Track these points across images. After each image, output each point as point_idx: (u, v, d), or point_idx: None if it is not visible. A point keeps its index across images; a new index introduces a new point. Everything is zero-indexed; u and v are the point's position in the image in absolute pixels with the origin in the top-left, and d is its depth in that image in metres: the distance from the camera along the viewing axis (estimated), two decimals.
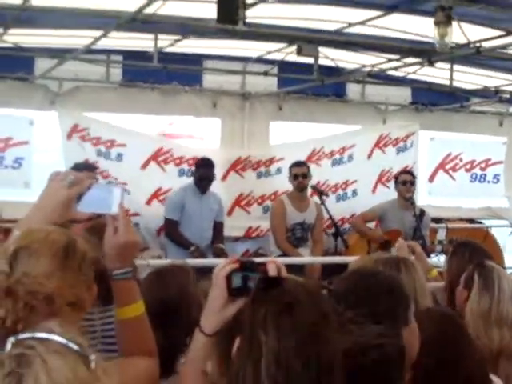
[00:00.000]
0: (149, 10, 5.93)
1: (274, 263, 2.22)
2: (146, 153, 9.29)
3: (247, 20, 5.95)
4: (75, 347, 1.57)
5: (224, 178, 9.64)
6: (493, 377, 2.98)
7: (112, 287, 2.52)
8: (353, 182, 10.28)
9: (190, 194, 8.61)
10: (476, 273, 3.73)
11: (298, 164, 8.96)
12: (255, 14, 6.35)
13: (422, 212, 8.98)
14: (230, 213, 9.65)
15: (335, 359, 1.93)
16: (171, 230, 8.55)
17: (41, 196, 2.56)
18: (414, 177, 9.07)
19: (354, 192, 10.29)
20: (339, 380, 1.93)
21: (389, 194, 10.09)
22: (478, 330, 3.48)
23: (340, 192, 10.20)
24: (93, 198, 2.53)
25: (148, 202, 9.24)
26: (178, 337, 3.00)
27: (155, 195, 9.24)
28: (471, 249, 4.62)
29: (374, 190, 10.43)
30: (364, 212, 9.36)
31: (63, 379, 1.49)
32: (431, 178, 11.17)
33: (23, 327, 2.05)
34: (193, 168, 8.98)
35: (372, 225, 9.40)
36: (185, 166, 9.29)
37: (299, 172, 8.80)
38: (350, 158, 10.24)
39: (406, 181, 8.87)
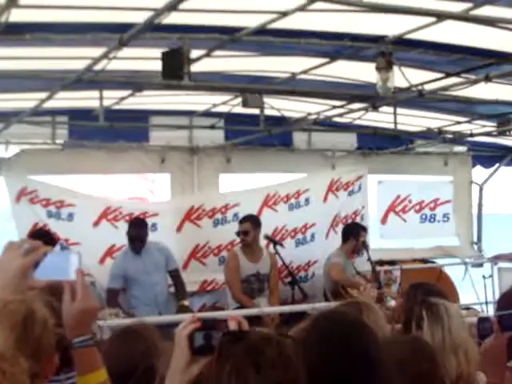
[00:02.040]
0: (95, 67, 5.93)
1: (235, 320, 2.21)
2: (96, 211, 9.21)
3: (192, 74, 5.99)
4: None
5: (179, 229, 9.57)
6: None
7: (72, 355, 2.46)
8: (311, 226, 10.26)
9: (129, 256, 8.56)
10: (423, 309, 3.78)
11: (240, 221, 9.05)
12: (200, 68, 6.39)
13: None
14: (185, 266, 9.57)
15: None
16: (110, 298, 8.43)
17: None
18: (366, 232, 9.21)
19: (312, 236, 10.27)
20: None
21: (337, 239, 10.10)
22: None
23: (300, 236, 10.16)
24: (50, 265, 2.49)
25: (101, 261, 9.12)
26: None
27: (109, 253, 9.13)
28: (423, 290, 4.66)
29: (326, 236, 10.44)
30: (335, 266, 9.16)
31: None
32: (383, 221, 11.26)
33: None
34: None
35: None
36: None
37: (240, 229, 8.89)
38: (307, 201, 10.24)
39: (362, 239, 9.01)
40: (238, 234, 8.88)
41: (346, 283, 9.05)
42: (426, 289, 4.72)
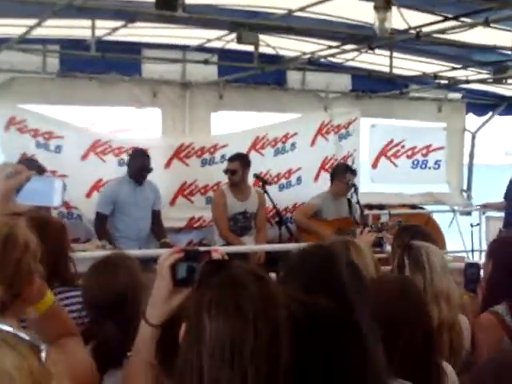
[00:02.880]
0: None
1: (219, 251, 2.19)
2: (84, 144, 9.12)
3: (187, 6, 5.88)
4: (26, 337, 1.49)
5: (167, 165, 9.51)
6: (444, 364, 3.04)
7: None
8: (297, 170, 10.22)
9: (125, 185, 8.51)
10: (405, 255, 3.78)
11: (228, 159, 8.99)
12: (194, 1, 6.28)
13: (349, 200, 9.14)
14: (172, 202, 9.57)
15: (281, 337, 1.89)
16: (98, 224, 8.45)
17: None
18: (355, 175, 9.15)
19: (299, 179, 10.25)
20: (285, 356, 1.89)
21: None
22: None
23: (283, 181, 10.12)
24: (33, 190, 2.46)
25: (88, 195, 9.08)
26: (129, 327, 2.94)
27: (95, 186, 9.09)
28: (412, 232, 4.67)
29: (316, 178, 10.42)
30: (303, 207, 9.35)
31: (13, 370, 1.39)
32: (374, 165, 11.23)
33: None
34: None
35: None
36: (124, 156, 9.09)
37: (229, 167, 8.85)
38: (293, 146, 10.18)
39: (350, 182, 8.93)
40: (226, 171, 8.83)
41: (302, 226, 9.13)
42: (414, 231, 4.73)
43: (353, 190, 8.95)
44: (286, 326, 1.92)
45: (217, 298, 1.88)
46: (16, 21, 7.50)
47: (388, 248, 5.55)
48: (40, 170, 7.52)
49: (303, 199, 9.67)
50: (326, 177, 10.22)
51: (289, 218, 9.77)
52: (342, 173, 9.15)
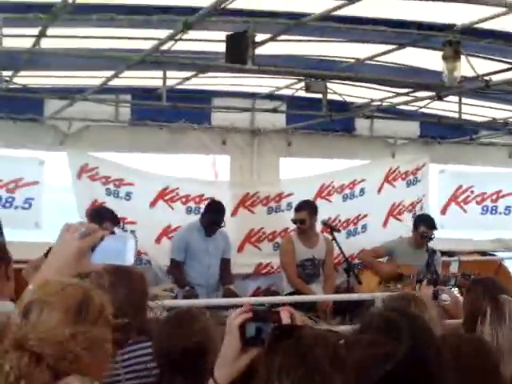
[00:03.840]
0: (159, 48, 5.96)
1: (288, 311, 2.19)
2: (153, 191, 9.30)
3: (256, 57, 5.97)
4: None
5: (234, 213, 9.59)
6: None
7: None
8: (364, 217, 10.21)
9: (196, 232, 8.60)
10: (489, 307, 3.71)
11: (296, 209, 8.96)
12: (264, 52, 6.37)
13: (434, 251, 9.02)
14: (240, 249, 9.62)
15: None
16: (173, 269, 8.58)
17: (53, 250, 2.53)
18: (434, 228, 9.05)
19: (364, 227, 10.23)
20: None
21: (400, 226, 10.13)
22: None
23: (351, 227, 10.12)
24: (107, 248, 2.50)
25: (157, 240, 9.22)
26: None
27: (164, 233, 9.22)
28: (485, 285, 4.61)
29: (385, 224, 10.39)
30: (374, 247, 9.36)
31: None
32: (443, 211, 11.11)
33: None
34: (200, 205, 9.02)
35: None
36: (191, 204, 9.25)
37: (296, 218, 8.83)
38: (362, 192, 10.19)
39: (424, 234, 8.88)
40: (295, 222, 8.83)
41: (365, 262, 9.31)
42: (487, 283, 4.66)
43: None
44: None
45: (287, 364, 1.90)
46: (91, 73, 7.72)
47: (444, 299, 5.46)
48: (114, 219, 7.65)
49: (370, 245, 9.63)
50: (394, 223, 10.22)
51: (356, 265, 9.73)
52: (417, 223, 9.11)
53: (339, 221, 9.97)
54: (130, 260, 2.56)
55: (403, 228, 10.12)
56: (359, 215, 10.19)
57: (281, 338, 1.98)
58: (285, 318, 2.23)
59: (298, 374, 1.87)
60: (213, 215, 8.58)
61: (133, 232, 8.81)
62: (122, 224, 8.47)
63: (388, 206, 10.42)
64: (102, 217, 7.50)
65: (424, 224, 9.04)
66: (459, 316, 4.97)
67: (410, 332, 2.32)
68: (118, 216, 7.97)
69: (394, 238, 9.62)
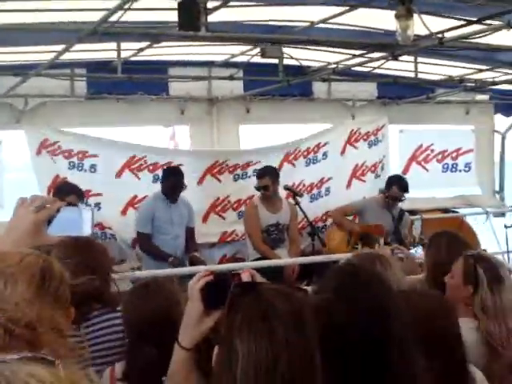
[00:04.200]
0: (111, 19, 5.88)
1: (248, 272, 2.21)
2: (119, 161, 9.20)
3: (209, 24, 5.93)
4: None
5: (200, 182, 9.58)
6: (472, 368, 3.00)
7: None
8: (327, 180, 10.27)
9: (160, 203, 8.53)
10: (479, 267, 3.68)
11: (258, 176, 8.99)
12: (217, 19, 6.33)
13: (402, 212, 9.18)
14: (204, 219, 9.61)
15: (313, 364, 1.92)
16: (145, 243, 8.49)
17: (9, 224, 2.52)
18: (406, 191, 9.19)
19: (327, 190, 10.29)
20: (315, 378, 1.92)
21: (363, 188, 10.22)
22: (495, 326, 3.48)
23: (314, 191, 10.16)
24: (63, 220, 2.50)
25: (123, 212, 9.15)
26: (168, 351, 2.99)
27: (130, 203, 9.16)
28: (448, 237, 4.62)
29: (348, 185, 10.47)
30: (343, 206, 9.46)
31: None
32: (405, 171, 11.19)
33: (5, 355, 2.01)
34: None
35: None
36: (159, 173, 9.17)
37: (260, 185, 8.85)
38: (325, 155, 10.23)
39: (396, 196, 9.01)
40: (258, 189, 8.85)
41: (336, 222, 9.45)
42: (450, 237, 4.66)
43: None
44: (317, 343, 1.95)
45: (247, 319, 1.92)
46: (43, 47, 7.62)
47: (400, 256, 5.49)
48: (78, 192, 7.61)
49: (334, 208, 9.71)
50: (357, 185, 10.28)
51: (320, 228, 9.80)
52: (390, 184, 9.22)
53: (303, 185, 10.02)
54: (87, 231, 2.56)
55: (366, 189, 10.22)
56: (323, 178, 10.25)
57: (241, 294, 2.00)
58: (245, 278, 2.24)
59: (259, 329, 1.89)
60: (173, 178, 8.50)
61: (97, 205, 8.79)
62: (86, 198, 8.41)
63: (351, 167, 10.49)
64: (65, 192, 7.46)
65: (397, 186, 9.15)
66: (415, 272, 5.00)
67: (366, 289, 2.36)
68: (83, 190, 7.92)
69: (358, 199, 9.71)
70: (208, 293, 2.25)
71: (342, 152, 10.43)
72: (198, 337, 2.27)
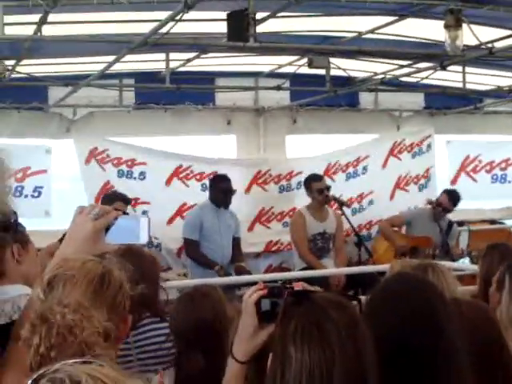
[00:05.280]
0: (160, 30, 5.95)
1: (302, 286, 2.23)
2: (167, 170, 9.31)
3: (258, 35, 5.96)
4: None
5: (247, 190, 9.64)
6: None
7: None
8: (368, 194, 10.23)
9: (207, 212, 8.60)
10: (507, 274, 3.70)
11: (320, 178, 9.01)
12: (265, 29, 6.37)
13: (451, 223, 9.14)
14: (250, 228, 9.66)
15: (368, 371, 1.92)
16: (193, 250, 8.53)
17: (68, 232, 2.57)
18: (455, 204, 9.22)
19: (371, 202, 10.25)
20: None
21: (407, 198, 10.16)
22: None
23: (356, 205, 10.10)
24: (120, 229, 2.54)
25: (170, 221, 9.22)
26: (216, 358, 3.00)
27: (179, 212, 9.22)
28: (501, 250, 4.58)
29: (391, 197, 10.41)
30: (392, 216, 9.43)
31: None
32: (453, 182, 11.08)
33: (56, 355, 2.05)
34: None
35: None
36: (206, 182, 9.22)
37: (323, 186, 8.84)
38: (365, 169, 10.20)
39: (446, 208, 9.05)
40: (321, 191, 8.78)
41: (383, 232, 9.41)
42: (503, 249, 4.62)
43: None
44: (372, 351, 1.95)
45: (301, 327, 1.92)
46: (93, 58, 7.73)
47: None
48: (125, 199, 7.70)
49: (377, 218, 9.70)
50: (401, 195, 10.23)
51: (365, 236, 9.76)
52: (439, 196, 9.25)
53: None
54: (144, 239, 2.59)
55: (409, 199, 10.15)
56: (362, 193, 10.21)
57: (295, 303, 2.01)
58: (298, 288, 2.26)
59: (313, 337, 1.90)
60: (223, 183, 8.58)
61: (145, 213, 8.87)
62: (133, 205, 8.53)
63: (394, 179, 10.43)
64: (111, 198, 7.57)
65: (448, 197, 9.16)
66: None
67: (420, 299, 2.36)
68: (130, 197, 8.00)
69: (402, 210, 9.65)
70: (262, 306, 2.27)
71: (384, 165, 10.38)
72: (252, 350, 2.28)
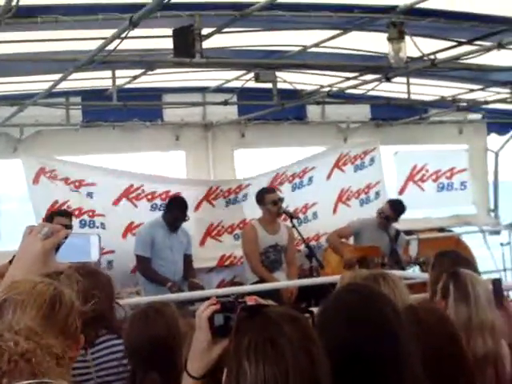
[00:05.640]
0: (106, 48, 5.94)
1: (255, 300, 2.25)
2: (117, 190, 9.23)
3: (204, 51, 5.99)
4: None
5: (196, 208, 9.61)
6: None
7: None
8: (312, 205, 10.27)
9: (159, 229, 8.59)
10: (451, 282, 3.75)
11: (272, 190, 9.07)
12: (211, 45, 6.40)
13: (398, 232, 9.23)
14: (202, 243, 9.65)
15: (321, 376, 1.95)
16: (144, 267, 8.52)
17: (18, 253, 2.55)
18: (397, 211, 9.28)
19: (315, 214, 10.30)
20: None
21: (349, 212, 10.22)
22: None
23: (300, 216, 10.07)
24: (71, 247, 2.53)
25: (123, 236, 9.18)
26: (171, 375, 3.01)
27: (129, 228, 9.19)
28: (451, 257, 4.62)
29: (334, 210, 10.47)
30: (339, 228, 9.48)
31: None
32: (401, 192, 11.22)
33: (8, 381, 2.04)
34: (165, 202, 8.98)
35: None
36: (158, 201, 9.23)
37: (276, 197, 8.86)
38: (310, 180, 10.24)
39: (388, 217, 9.12)
40: (276, 202, 8.77)
41: (331, 245, 9.48)
42: (453, 256, 4.67)
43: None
44: (326, 362, 1.98)
45: (255, 342, 1.94)
46: (39, 77, 7.68)
47: None
48: (65, 214, 7.71)
49: (322, 232, 9.78)
50: (344, 209, 10.30)
51: (315, 246, 9.79)
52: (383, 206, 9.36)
53: None
54: (94, 256, 2.59)
55: (351, 214, 10.17)
56: (307, 204, 10.25)
57: (248, 318, 2.03)
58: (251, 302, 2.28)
59: (266, 352, 1.92)
60: (177, 211, 8.60)
61: (102, 225, 8.90)
62: (89, 216, 8.72)
63: (337, 191, 10.49)
64: (51, 216, 7.63)
65: (389, 205, 9.25)
66: None
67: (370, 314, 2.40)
68: (85, 209, 8.01)
69: (344, 224, 9.68)
70: (215, 321, 2.28)
71: (328, 176, 10.43)
72: (207, 365, 2.29)
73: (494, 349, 3.49)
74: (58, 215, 7.73)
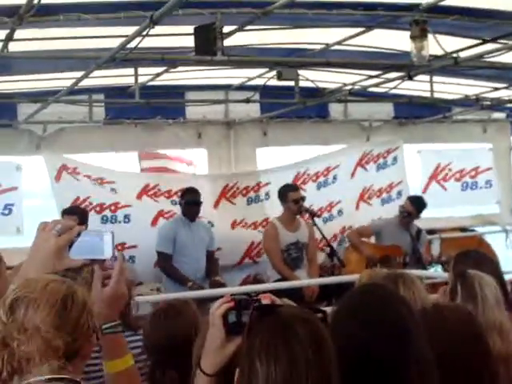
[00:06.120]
0: (128, 45, 5.96)
1: (269, 297, 2.24)
2: (136, 188, 9.27)
3: (225, 48, 5.99)
4: None
5: (216, 205, 9.62)
6: None
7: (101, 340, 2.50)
8: (337, 203, 10.26)
9: (181, 225, 8.62)
10: (458, 283, 3.73)
11: (296, 188, 9.02)
12: (233, 43, 6.40)
13: (420, 230, 9.17)
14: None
15: (332, 378, 1.94)
16: (165, 264, 8.53)
17: (32, 249, 2.55)
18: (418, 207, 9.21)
19: (340, 211, 10.28)
20: None
21: (370, 211, 10.19)
22: None
23: (326, 214, 10.10)
24: (84, 244, 2.54)
25: (153, 223, 9.19)
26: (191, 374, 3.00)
27: (160, 214, 9.21)
28: (474, 257, 4.57)
29: (357, 207, 10.45)
30: (360, 227, 9.45)
31: None
32: (424, 190, 11.15)
33: (18, 380, 2.05)
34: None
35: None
36: (175, 198, 9.25)
37: (299, 196, 8.82)
38: (335, 178, 10.22)
39: (408, 212, 9.05)
40: (297, 201, 8.77)
41: (352, 244, 9.41)
42: (476, 257, 4.62)
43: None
44: (337, 363, 1.97)
45: (266, 343, 1.94)
46: (62, 74, 7.72)
47: None
48: (82, 214, 7.74)
49: (348, 226, 9.74)
50: (365, 208, 10.25)
51: (339, 245, 9.78)
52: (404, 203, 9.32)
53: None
54: (108, 253, 2.58)
55: (372, 213, 10.14)
56: (332, 202, 10.23)
57: (261, 317, 2.03)
58: (265, 301, 2.27)
59: (278, 352, 1.91)
60: (189, 196, 8.63)
61: (127, 217, 8.94)
62: (113, 209, 8.82)
63: (360, 189, 10.45)
64: (67, 212, 7.69)
65: (410, 201, 9.21)
66: None
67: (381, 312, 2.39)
68: (108, 203, 8.25)
69: (365, 222, 9.65)
70: (229, 319, 2.27)
71: (353, 174, 10.41)
72: (221, 363, 2.28)
73: (504, 349, 3.47)
74: (67, 213, 7.73)
